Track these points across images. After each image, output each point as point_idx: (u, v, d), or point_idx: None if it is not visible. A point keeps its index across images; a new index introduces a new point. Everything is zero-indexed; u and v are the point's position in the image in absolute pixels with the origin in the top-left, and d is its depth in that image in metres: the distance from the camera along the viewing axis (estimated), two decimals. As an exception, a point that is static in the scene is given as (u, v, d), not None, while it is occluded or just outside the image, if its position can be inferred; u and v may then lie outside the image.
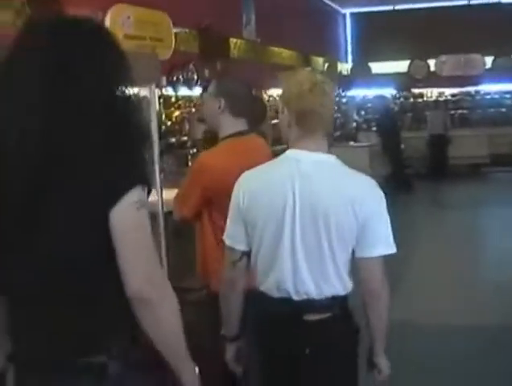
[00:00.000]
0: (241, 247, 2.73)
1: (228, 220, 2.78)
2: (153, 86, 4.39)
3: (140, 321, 1.85)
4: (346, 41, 21.47)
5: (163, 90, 8.52)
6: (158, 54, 5.76)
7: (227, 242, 2.77)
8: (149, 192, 1.90)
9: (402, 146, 14.25)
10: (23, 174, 1.78)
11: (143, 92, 4.57)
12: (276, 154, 3.01)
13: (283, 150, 2.84)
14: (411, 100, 19.47)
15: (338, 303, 2.66)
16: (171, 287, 1.93)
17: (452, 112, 17.80)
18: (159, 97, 8.07)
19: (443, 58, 18.99)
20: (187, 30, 9.35)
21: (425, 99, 19.40)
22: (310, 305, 2.61)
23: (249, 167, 2.92)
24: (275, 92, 11.80)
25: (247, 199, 2.67)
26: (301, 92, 2.61)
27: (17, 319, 1.95)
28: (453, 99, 18.99)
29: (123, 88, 1.91)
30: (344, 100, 18.15)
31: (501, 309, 6.28)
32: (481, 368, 5.01)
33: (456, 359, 5.19)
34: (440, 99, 18.72)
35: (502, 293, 6.77)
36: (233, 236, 2.75)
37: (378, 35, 18.79)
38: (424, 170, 15.65)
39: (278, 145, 5.89)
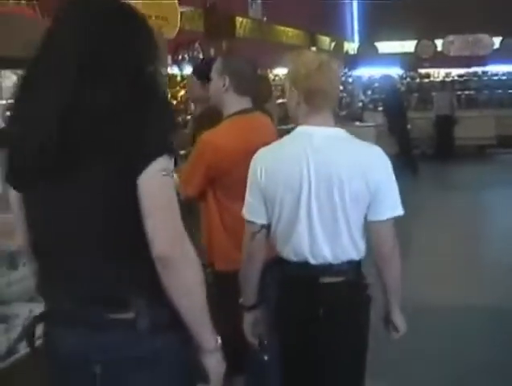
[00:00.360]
0: (260, 220, 2.86)
1: (247, 196, 2.89)
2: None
3: (163, 282, 1.92)
4: (353, 20, 21.38)
5: (169, 69, 8.48)
6: (164, 33, 5.73)
7: (246, 216, 2.88)
8: (175, 162, 1.98)
9: (409, 127, 14.20)
10: (58, 140, 1.87)
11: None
12: (282, 133, 3.12)
13: (289, 130, 2.95)
14: (418, 80, 19.39)
15: (352, 268, 2.81)
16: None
17: (459, 92, 17.72)
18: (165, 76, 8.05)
19: (451, 38, 18.92)
20: (192, 9, 9.32)
21: (432, 79, 19.32)
22: (326, 269, 2.77)
23: (253, 145, 3.01)
24: (281, 71, 11.75)
25: (265, 175, 2.80)
26: (309, 72, 2.74)
27: (49, 278, 2.07)
28: (460, 79, 18.90)
29: (151, 65, 2.02)
30: (350, 79, 18.09)
31: (509, 289, 6.27)
32: (490, 349, 5.01)
33: (466, 339, 5.19)
34: (447, 79, 18.64)
35: (510, 273, 6.76)
36: (253, 211, 2.87)
37: (385, 15, 18.69)
38: (431, 150, 15.62)
39: (283, 124, 5.87)
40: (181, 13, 8.36)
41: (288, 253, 2.82)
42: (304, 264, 2.78)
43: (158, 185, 1.90)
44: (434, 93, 16.87)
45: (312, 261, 2.76)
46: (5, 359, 3.05)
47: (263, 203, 2.83)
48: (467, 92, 18.21)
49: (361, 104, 17.78)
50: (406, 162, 12.86)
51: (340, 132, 2.83)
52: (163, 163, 1.89)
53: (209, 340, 2.03)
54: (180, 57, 8.85)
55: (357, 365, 2.91)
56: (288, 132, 2.94)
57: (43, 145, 1.89)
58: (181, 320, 1.97)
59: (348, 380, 2.89)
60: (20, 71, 4.63)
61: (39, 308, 3.44)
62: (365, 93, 18.57)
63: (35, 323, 2.14)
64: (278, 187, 2.77)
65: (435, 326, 5.50)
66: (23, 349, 3.17)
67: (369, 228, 2.80)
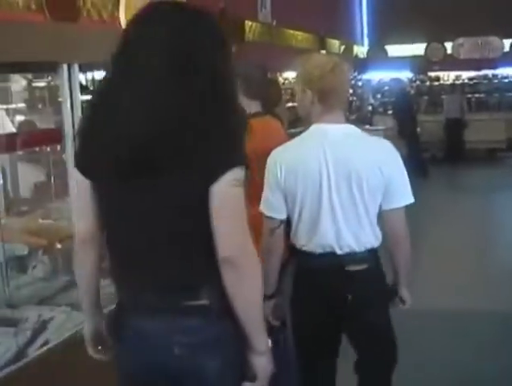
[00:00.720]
0: (280, 216, 3.05)
1: (266, 193, 3.05)
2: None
3: (225, 284, 2.08)
4: (362, 23, 21.34)
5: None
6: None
7: (266, 212, 3.05)
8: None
9: (419, 130, 14.16)
10: (147, 140, 2.02)
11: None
12: (292, 137, 3.23)
13: (298, 133, 3.15)
14: (428, 83, 19.32)
15: (373, 255, 3.07)
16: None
17: (469, 95, 17.64)
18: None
19: (461, 40, 18.86)
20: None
21: (442, 82, 19.25)
22: (351, 257, 3.00)
23: (263, 148, 3.13)
24: (291, 74, 11.73)
25: (284, 171, 2.98)
26: (323, 73, 2.97)
27: (126, 268, 2.24)
28: (470, 82, 18.83)
29: (230, 79, 2.18)
30: (360, 83, 18.06)
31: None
32: (498, 354, 4.99)
33: (473, 344, 5.17)
34: (457, 82, 18.56)
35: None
36: (272, 207, 3.04)
37: (395, 18, 18.64)
38: (440, 154, 15.57)
39: (292, 128, 5.86)
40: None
41: (314, 246, 3.02)
42: (330, 255, 3.00)
43: (230, 194, 2.04)
44: (444, 96, 16.82)
45: (338, 251, 2.99)
46: (14, 362, 3.06)
47: (283, 199, 3.01)
48: (477, 95, 18.13)
49: (370, 107, 17.74)
50: (416, 165, 12.81)
51: (351, 128, 3.07)
52: (236, 173, 2.03)
53: (262, 342, 2.18)
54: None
55: (388, 343, 3.23)
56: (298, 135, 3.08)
57: (135, 143, 2.03)
58: None
59: (382, 358, 3.24)
60: (30, 76, 4.61)
61: (47, 311, 3.48)
62: (374, 97, 18.53)
63: (118, 314, 2.29)
64: (298, 184, 2.97)
65: (442, 330, 5.48)
66: (32, 353, 3.18)
67: (384, 216, 3.06)
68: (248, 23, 11.14)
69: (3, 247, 3.00)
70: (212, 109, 2.06)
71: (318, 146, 2.97)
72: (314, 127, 3.04)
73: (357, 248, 3.01)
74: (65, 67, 3.29)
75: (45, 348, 3.25)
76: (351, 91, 16.93)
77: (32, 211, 4.14)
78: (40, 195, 4.55)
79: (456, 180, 14.01)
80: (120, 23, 7.23)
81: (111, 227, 2.26)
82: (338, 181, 2.94)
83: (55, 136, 3.59)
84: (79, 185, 2.24)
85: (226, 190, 2.04)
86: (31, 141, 3.62)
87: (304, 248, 3.06)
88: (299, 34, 14.29)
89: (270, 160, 3.04)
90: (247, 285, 2.10)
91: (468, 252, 7.91)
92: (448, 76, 19.46)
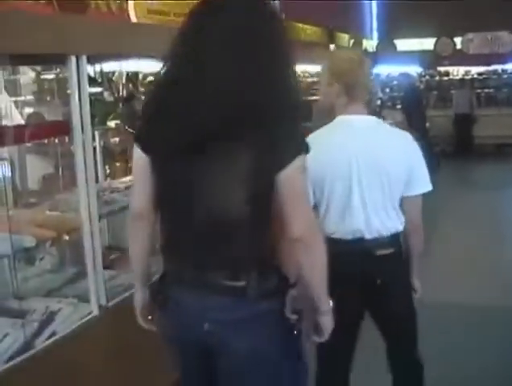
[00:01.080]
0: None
1: None
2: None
3: (298, 258, 2.28)
4: (372, 17, 21.29)
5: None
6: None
7: None
8: None
9: (428, 125, 14.12)
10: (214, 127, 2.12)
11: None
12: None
13: (309, 127, 3.25)
14: (437, 78, 19.26)
15: (398, 240, 3.23)
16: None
17: (478, 91, 17.57)
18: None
19: (470, 35, 18.82)
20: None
21: (451, 77, 19.18)
22: (379, 242, 3.16)
23: None
24: (300, 68, 11.69)
25: (312, 162, 3.02)
26: (352, 67, 3.15)
27: (175, 243, 2.38)
28: (480, 77, 18.75)
29: (292, 68, 2.28)
30: (369, 77, 17.98)
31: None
32: (502, 349, 4.98)
33: (483, 339, 5.16)
34: (466, 77, 18.49)
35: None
36: None
37: (404, 12, 18.59)
38: (449, 149, 15.52)
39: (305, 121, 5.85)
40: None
41: (344, 233, 3.15)
42: (360, 240, 3.14)
43: (296, 179, 2.20)
44: (453, 91, 16.76)
45: (367, 236, 3.14)
46: (22, 354, 3.07)
47: (310, 187, 3.02)
48: (486, 91, 18.03)
49: (379, 101, 17.68)
50: (425, 159, 12.76)
51: (374, 119, 3.26)
52: (301, 160, 2.18)
53: (326, 303, 2.46)
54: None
55: (413, 323, 3.39)
56: (310, 129, 3.12)
57: (213, 116, 2.12)
58: (283, 290, 2.33)
59: (408, 338, 3.41)
60: (38, 68, 4.60)
61: (55, 303, 3.48)
62: (383, 91, 18.47)
63: (161, 284, 2.43)
64: (326, 174, 3.10)
65: (452, 324, 5.47)
66: (39, 344, 3.19)
67: (404, 202, 3.22)
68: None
69: (11, 239, 2.99)
70: (283, 94, 2.20)
71: (344, 137, 3.14)
72: (340, 118, 3.19)
73: (384, 232, 3.17)
74: (73, 58, 3.28)
75: (52, 340, 3.25)
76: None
77: (40, 202, 4.14)
78: (48, 186, 4.55)
79: (465, 175, 13.96)
80: (128, 15, 7.22)
81: (167, 203, 2.37)
82: (366, 169, 3.09)
83: (63, 128, 3.58)
84: (138, 161, 2.36)
85: (294, 176, 2.19)
86: (40, 133, 3.62)
87: (333, 236, 3.14)
88: (308, 28, 14.27)
89: None
90: (315, 258, 2.31)
91: (477, 247, 7.89)
92: (457, 71, 19.40)
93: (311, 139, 3.01)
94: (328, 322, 2.51)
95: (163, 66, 2.29)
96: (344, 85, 3.14)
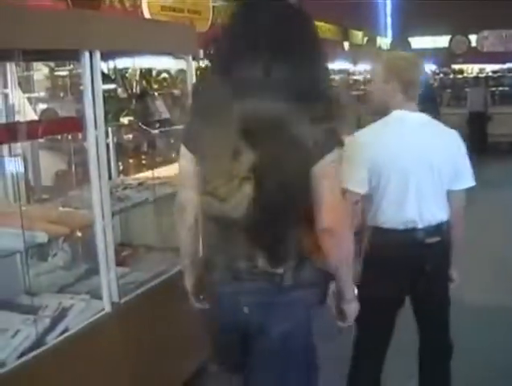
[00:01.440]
0: (361, 190, 3.29)
1: (349, 169, 3.18)
2: (190, 58, 4.35)
3: (327, 247, 2.41)
4: (386, 15, 21.23)
5: (201, 63, 8.47)
6: (196, 26, 5.71)
7: (349, 186, 3.21)
8: None
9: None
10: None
11: (180, 64, 4.54)
12: None
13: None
14: (451, 76, 19.17)
15: (445, 228, 3.39)
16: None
17: (493, 89, 17.48)
18: (196, 70, 8.03)
19: (485, 33, 18.72)
20: (225, 3, 9.29)
21: (465, 75, 19.10)
22: (429, 230, 3.32)
23: None
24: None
25: (370, 152, 3.28)
26: (408, 65, 3.37)
27: (227, 237, 2.50)
28: (494, 75, 18.66)
29: (325, 65, 2.48)
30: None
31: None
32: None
33: (498, 339, 5.13)
34: (481, 75, 18.40)
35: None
36: (356, 181, 3.27)
37: (419, 10, 18.51)
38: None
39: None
40: (213, 6, 8.34)
41: (397, 223, 3.30)
42: (411, 230, 3.30)
43: (330, 173, 2.34)
44: (467, 89, 16.68)
45: (420, 226, 3.30)
46: (34, 350, 3.07)
47: (367, 174, 3.28)
48: (501, 89, 17.94)
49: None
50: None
51: (425, 116, 3.42)
52: (335, 155, 2.33)
53: (351, 291, 2.63)
54: (212, 51, 8.82)
55: (448, 309, 3.57)
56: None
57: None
58: (317, 281, 2.50)
59: (444, 324, 3.59)
60: (52, 64, 4.58)
61: (67, 299, 3.48)
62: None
63: (204, 267, 2.65)
64: (383, 166, 3.27)
65: (467, 324, 5.44)
66: (51, 340, 3.19)
67: (449, 195, 3.42)
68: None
69: (24, 234, 2.99)
70: (326, 92, 2.38)
71: (400, 131, 3.31)
72: (395, 113, 3.36)
73: (433, 222, 3.33)
74: (87, 54, 3.27)
75: (64, 336, 3.25)
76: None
77: (53, 199, 4.14)
78: (61, 183, 4.56)
79: (479, 173, 13.76)
80: (142, 12, 7.23)
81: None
82: (419, 163, 3.28)
83: (76, 124, 3.58)
84: (184, 157, 2.54)
85: (328, 169, 2.33)
86: (53, 129, 3.62)
87: (385, 226, 3.33)
88: (323, 25, 14.24)
89: (355, 140, 3.36)
90: (342, 248, 2.45)
91: (491, 246, 7.85)
92: (471, 69, 19.30)
93: (369, 131, 3.43)
94: (352, 309, 2.68)
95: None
96: (400, 83, 3.32)
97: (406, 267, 3.33)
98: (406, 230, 3.31)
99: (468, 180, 3.48)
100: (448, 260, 3.52)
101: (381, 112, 3.43)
